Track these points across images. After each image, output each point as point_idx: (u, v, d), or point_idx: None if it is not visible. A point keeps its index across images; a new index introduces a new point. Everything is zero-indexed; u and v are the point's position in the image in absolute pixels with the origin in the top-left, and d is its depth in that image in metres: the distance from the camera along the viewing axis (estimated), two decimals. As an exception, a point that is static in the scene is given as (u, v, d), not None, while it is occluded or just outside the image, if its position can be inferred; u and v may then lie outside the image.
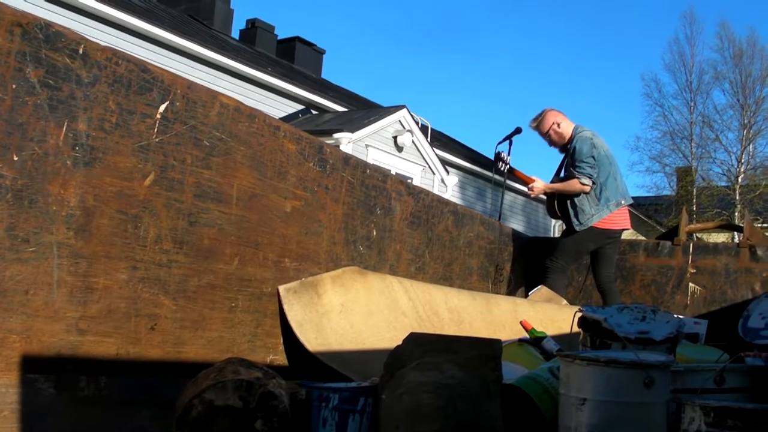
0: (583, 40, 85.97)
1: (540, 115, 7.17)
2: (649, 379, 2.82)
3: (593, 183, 6.73)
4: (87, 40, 3.23)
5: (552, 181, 7.13)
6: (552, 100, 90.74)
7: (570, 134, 6.98)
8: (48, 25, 3.06)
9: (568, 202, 6.88)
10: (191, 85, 3.71)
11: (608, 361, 2.87)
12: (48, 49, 3.05)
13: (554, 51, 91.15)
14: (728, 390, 3.19)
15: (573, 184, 6.77)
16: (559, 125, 7.02)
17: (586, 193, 6.75)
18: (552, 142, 7.12)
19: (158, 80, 3.51)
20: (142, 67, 3.45)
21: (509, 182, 7.36)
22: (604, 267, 6.97)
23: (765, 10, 61.01)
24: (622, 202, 6.90)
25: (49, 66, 3.06)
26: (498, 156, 7.29)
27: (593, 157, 6.73)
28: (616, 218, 6.88)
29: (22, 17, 2.98)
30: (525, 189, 7.31)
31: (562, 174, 7.13)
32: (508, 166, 7.25)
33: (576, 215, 6.82)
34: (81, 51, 3.18)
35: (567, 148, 7.01)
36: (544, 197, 7.40)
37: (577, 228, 6.83)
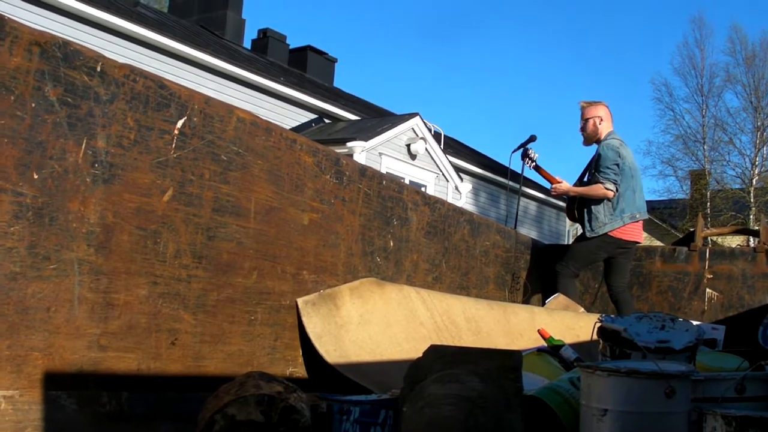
0: (592, 47, 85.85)
1: (595, 101, 7.17)
2: (670, 389, 2.82)
3: (616, 190, 6.71)
4: (105, 57, 3.25)
5: (574, 185, 7.11)
6: (563, 105, 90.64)
7: (601, 137, 6.96)
8: (66, 43, 3.09)
9: (585, 208, 6.87)
10: (208, 100, 3.73)
11: (629, 371, 2.87)
12: (66, 67, 3.07)
13: (563, 57, 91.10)
14: (749, 398, 3.18)
15: (597, 189, 6.75)
16: (601, 121, 7.00)
17: (607, 200, 6.73)
18: (583, 130, 7.08)
19: (175, 96, 3.53)
20: (160, 83, 3.47)
21: (523, 188, 7.35)
22: (617, 276, 6.95)
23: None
24: (637, 215, 6.87)
25: (68, 84, 3.08)
26: (525, 153, 7.27)
27: (617, 165, 6.71)
28: (629, 230, 6.85)
29: (40, 36, 3.00)
30: (539, 195, 7.32)
31: (585, 178, 7.11)
32: (534, 163, 7.23)
33: (590, 221, 6.83)
34: (99, 69, 3.20)
35: (595, 151, 6.99)
36: (565, 198, 7.40)
37: (589, 234, 6.84)
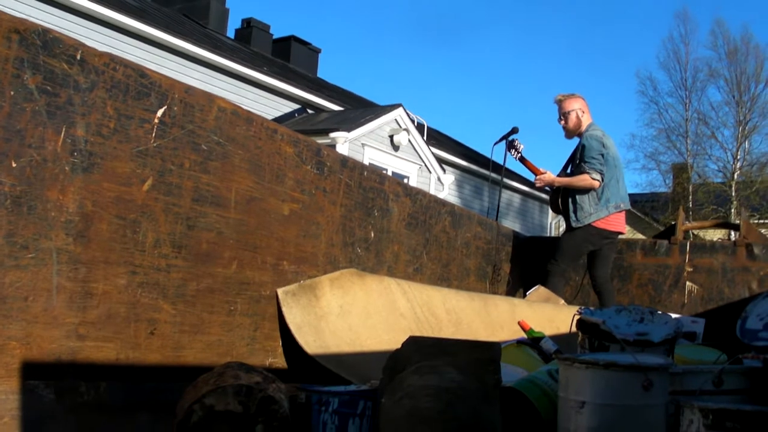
0: (577, 39, 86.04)
1: (571, 94, 7.17)
2: (647, 382, 2.83)
3: (601, 180, 6.73)
4: (84, 45, 3.23)
5: (557, 174, 7.12)
6: (547, 98, 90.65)
7: (583, 128, 6.97)
8: (46, 31, 3.06)
9: (570, 198, 6.89)
10: (189, 89, 3.71)
11: (607, 364, 2.88)
12: (46, 55, 3.05)
13: (549, 49, 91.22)
14: (727, 392, 3.20)
15: (584, 179, 6.76)
16: (582, 113, 7.01)
17: (592, 190, 6.74)
18: (566, 124, 7.08)
19: (156, 85, 3.51)
20: (140, 72, 3.45)
21: (506, 180, 7.35)
22: (600, 267, 6.97)
23: (757, 8, 61.06)
24: (621, 205, 6.89)
25: (47, 72, 3.06)
26: (511, 144, 7.26)
27: (602, 155, 6.73)
28: (613, 220, 6.88)
29: (20, 23, 2.98)
30: (523, 188, 7.32)
31: (568, 170, 7.12)
32: (519, 154, 7.23)
33: (575, 211, 6.84)
34: (78, 57, 3.18)
35: (578, 142, 6.99)
36: (548, 190, 7.41)
37: (574, 224, 6.85)
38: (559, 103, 7.16)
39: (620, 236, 7.11)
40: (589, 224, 6.80)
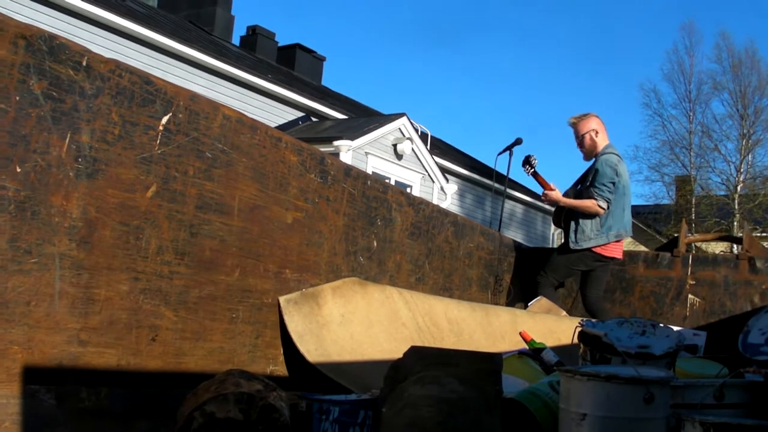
0: (582, 50, 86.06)
1: (585, 115, 7.08)
2: (649, 395, 2.82)
3: (607, 208, 6.68)
4: (90, 51, 3.24)
5: (567, 191, 7.06)
6: (551, 109, 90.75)
7: (600, 150, 6.92)
8: (52, 36, 3.08)
9: (573, 218, 6.83)
10: (194, 97, 3.72)
11: (608, 376, 2.87)
12: (52, 61, 3.06)
13: (553, 61, 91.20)
14: (728, 405, 3.19)
15: (590, 205, 6.70)
16: (597, 134, 6.93)
17: (596, 215, 6.69)
18: (582, 146, 7.02)
19: (161, 92, 3.52)
20: (146, 79, 3.46)
21: (510, 191, 7.32)
22: (592, 287, 6.90)
23: (762, 21, 61.14)
24: (623, 234, 6.83)
25: (53, 78, 3.07)
26: (526, 160, 7.20)
27: (614, 183, 6.68)
28: (611, 247, 6.80)
29: (27, 29, 2.99)
30: (526, 198, 7.26)
31: (579, 187, 7.06)
32: (533, 170, 7.18)
33: (575, 232, 6.77)
34: (84, 63, 3.19)
35: (592, 163, 6.94)
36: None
37: (572, 246, 6.79)
38: (573, 126, 7.08)
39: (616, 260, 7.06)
40: (588, 248, 6.77)
